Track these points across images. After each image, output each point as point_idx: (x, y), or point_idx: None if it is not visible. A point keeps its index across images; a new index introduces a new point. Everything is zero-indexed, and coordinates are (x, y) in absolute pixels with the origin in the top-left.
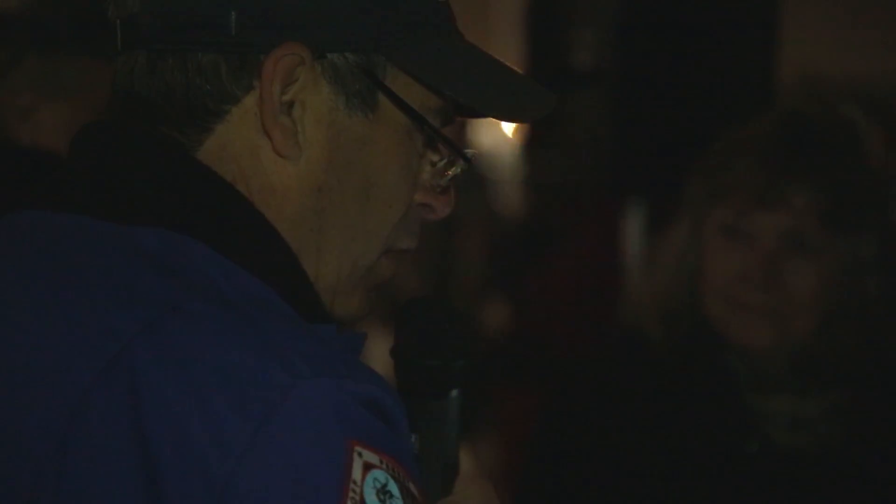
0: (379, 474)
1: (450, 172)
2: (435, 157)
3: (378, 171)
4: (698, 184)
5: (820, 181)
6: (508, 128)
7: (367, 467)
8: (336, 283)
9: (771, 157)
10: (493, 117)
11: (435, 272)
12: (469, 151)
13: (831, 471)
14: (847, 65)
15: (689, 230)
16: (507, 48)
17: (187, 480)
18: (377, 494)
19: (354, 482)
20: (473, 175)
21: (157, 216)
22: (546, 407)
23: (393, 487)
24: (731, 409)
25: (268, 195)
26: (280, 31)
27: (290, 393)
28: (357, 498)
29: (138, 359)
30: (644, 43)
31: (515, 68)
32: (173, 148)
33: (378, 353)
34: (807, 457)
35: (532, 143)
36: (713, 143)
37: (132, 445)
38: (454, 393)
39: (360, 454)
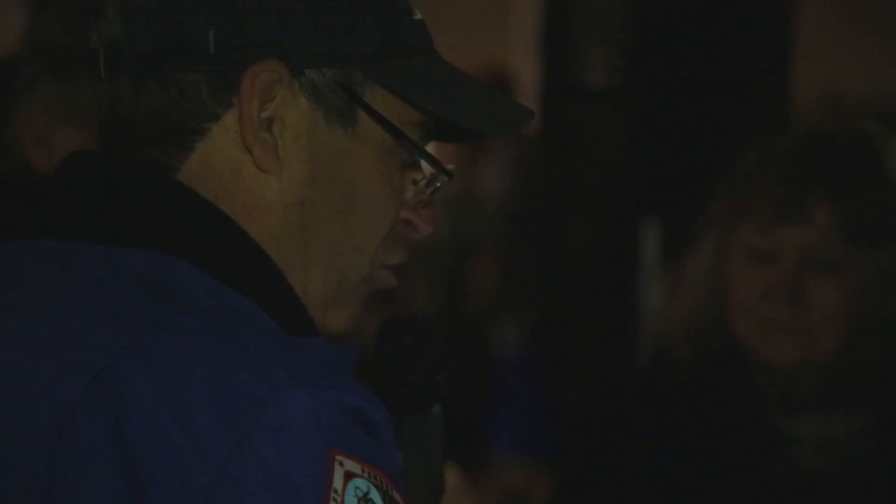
0: (361, 483)
1: (431, 188)
2: (416, 175)
3: (360, 187)
4: (721, 202)
5: (841, 196)
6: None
7: (349, 476)
8: (325, 297)
9: (791, 173)
10: (473, 130)
11: (447, 292)
12: (450, 166)
13: (857, 493)
14: (861, 81)
15: (713, 249)
16: (523, 67)
17: (170, 493)
18: (359, 503)
19: (336, 491)
20: (487, 193)
21: (141, 237)
22: (574, 426)
23: (375, 496)
24: (757, 430)
25: (251, 211)
26: (258, 48)
27: (271, 404)
28: None
29: (123, 373)
30: (658, 61)
31: (491, 85)
32: (154, 170)
33: None
34: (832, 478)
35: (546, 162)
36: (727, 160)
37: (117, 459)
38: (436, 409)
39: (341, 463)
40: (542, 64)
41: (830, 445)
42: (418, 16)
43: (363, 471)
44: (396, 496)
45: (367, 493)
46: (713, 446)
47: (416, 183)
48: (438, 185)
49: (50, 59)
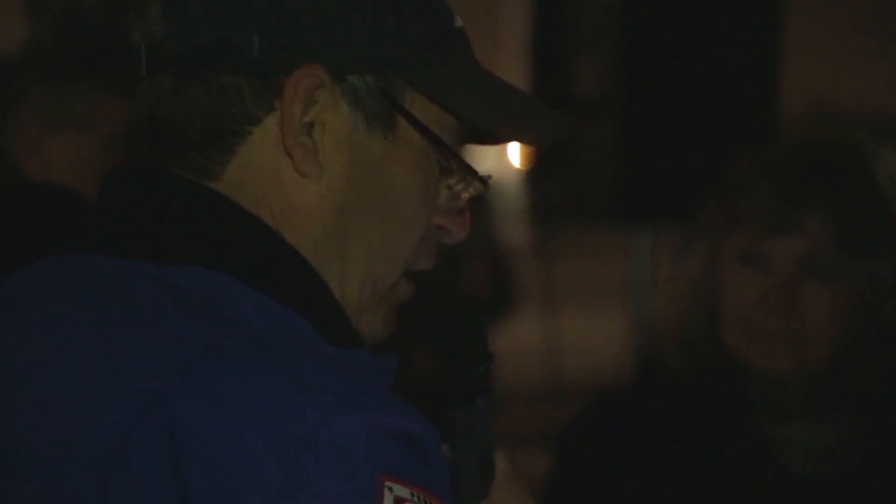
0: None
1: (465, 195)
2: (451, 180)
3: (398, 192)
4: (713, 210)
5: (834, 206)
6: (514, 154)
7: (398, 501)
8: (359, 302)
9: (785, 183)
10: (510, 140)
11: (437, 295)
12: (485, 174)
13: (847, 499)
14: (847, 91)
15: (704, 257)
16: (514, 77)
17: None
18: None
19: None
20: (478, 201)
21: (187, 254)
22: (565, 433)
23: None
24: (748, 437)
25: (291, 215)
26: (301, 53)
27: (322, 430)
28: None
29: (175, 399)
30: (647, 71)
31: (529, 94)
32: (197, 182)
33: None
34: (823, 484)
35: (537, 170)
36: (716, 169)
37: (171, 486)
38: (480, 399)
39: (390, 489)
40: (531, 73)
41: (820, 452)
42: (459, 23)
43: (413, 495)
44: None
45: None
46: (704, 452)
47: (450, 188)
48: (473, 191)
49: (42, 67)
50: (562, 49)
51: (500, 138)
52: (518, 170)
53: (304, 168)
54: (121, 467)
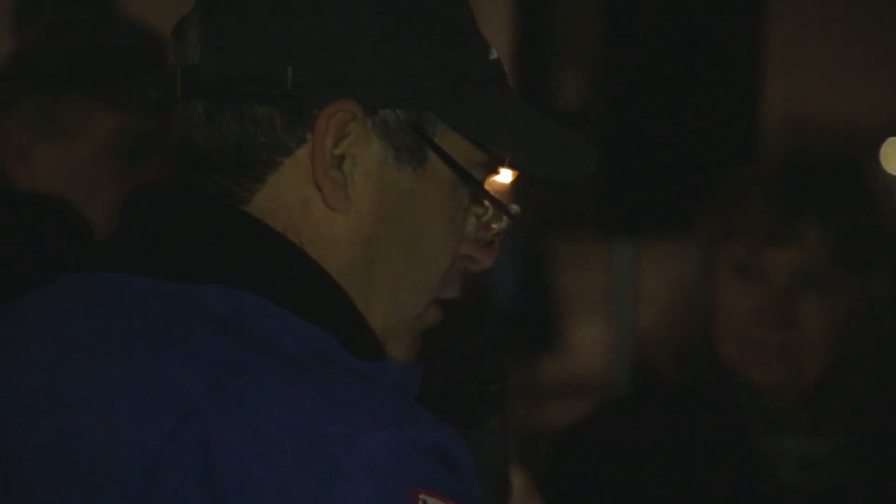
0: None
1: (494, 226)
2: (480, 211)
3: (425, 224)
4: (709, 222)
5: (831, 218)
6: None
7: None
8: (383, 330)
9: (782, 194)
10: (540, 176)
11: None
12: (513, 207)
13: None
14: (829, 103)
15: (701, 268)
16: None
17: None
18: None
19: None
20: None
21: (216, 273)
22: (559, 442)
23: None
24: (741, 448)
25: (318, 245)
26: (334, 86)
27: (353, 446)
28: None
29: (207, 417)
30: (630, 82)
31: (559, 124)
32: (226, 203)
33: None
34: (814, 496)
35: (519, 180)
36: (698, 180)
37: (205, 502)
38: (495, 419)
39: (424, 502)
40: (514, 85)
41: (812, 464)
42: (494, 55)
43: None
44: None
45: None
46: (697, 463)
47: (478, 217)
48: (502, 223)
49: (31, 76)
50: (544, 60)
51: (534, 172)
52: (501, 181)
53: (333, 202)
54: (155, 485)
